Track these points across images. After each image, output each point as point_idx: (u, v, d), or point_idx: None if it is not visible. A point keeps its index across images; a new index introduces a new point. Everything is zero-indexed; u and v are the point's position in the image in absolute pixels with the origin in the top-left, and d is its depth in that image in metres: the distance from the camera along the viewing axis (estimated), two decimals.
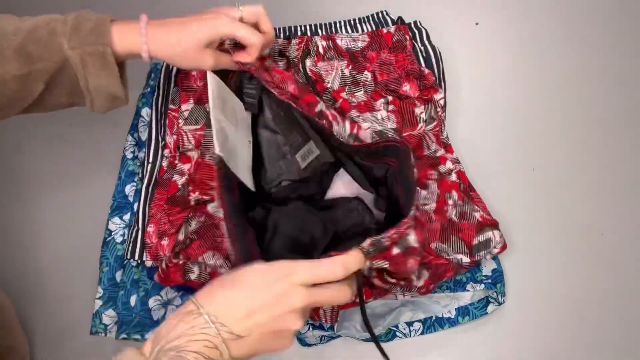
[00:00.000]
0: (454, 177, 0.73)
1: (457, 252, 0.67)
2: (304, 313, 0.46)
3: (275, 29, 0.81)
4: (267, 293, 0.44)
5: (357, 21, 0.82)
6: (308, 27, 0.81)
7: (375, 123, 0.74)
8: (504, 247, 0.70)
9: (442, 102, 0.77)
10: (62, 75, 0.57)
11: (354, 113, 0.75)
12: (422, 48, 0.80)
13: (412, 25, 0.81)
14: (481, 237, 0.69)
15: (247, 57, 0.65)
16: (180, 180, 0.73)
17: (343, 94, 0.76)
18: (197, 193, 0.71)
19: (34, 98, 0.57)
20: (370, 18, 0.82)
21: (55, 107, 0.61)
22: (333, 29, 0.81)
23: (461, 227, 0.69)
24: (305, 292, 0.45)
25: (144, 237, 0.72)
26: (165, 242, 0.69)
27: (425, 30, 0.81)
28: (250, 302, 0.44)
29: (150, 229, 0.71)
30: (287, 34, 0.81)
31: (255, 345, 0.44)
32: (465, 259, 0.67)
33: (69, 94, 0.59)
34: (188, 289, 0.73)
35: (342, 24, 0.81)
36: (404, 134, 0.74)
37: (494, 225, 0.70)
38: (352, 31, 0.81)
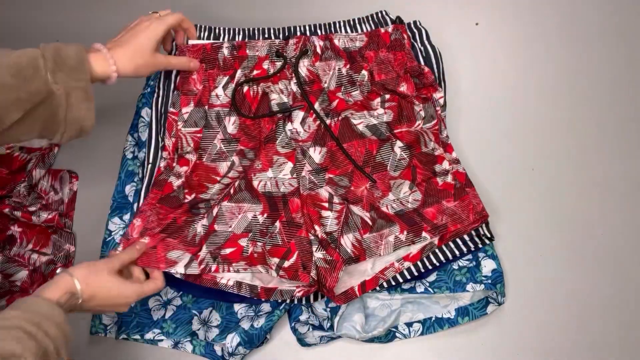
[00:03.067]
0: (449, 178, 0.73)
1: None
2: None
3: (274, 29, 0.81)
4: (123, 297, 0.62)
5: (356, 21, 0.82)
6: (307, 28, 0.81)
7: (370, 117, 0.74)
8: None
9: (441, 101, 0.77)
10: (43, 106, 0.59)
11: (349, 112, 0.75)
12: (422, 48, 0.80)
13: (412, 25, 0.81)
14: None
15: (193, 36, 0.76)
16: (175, 182, 0.73)
17: (339, 94, 0.76)
18: (192, 195, 0.71)
19: (4, 127, 0.59)
20: (370, 18, 0.82)
21: (20, 138, 0.63)
22: (332, 29, 0.81)
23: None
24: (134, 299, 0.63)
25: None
26: (145, 240, 0.68)
27: (425, 30, 0.81)
28: (113, 294, 0.61)
29: (137, 222, 0.70)
30: (286, 34, 0.81)
31: (101, 307, 0.62)
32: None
33: (44, 125, 0.61)
34: (188, 289, 0.73)
35: (341, 24, 0.81)
36: (401, 130, 0.74)
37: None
38: (352, 31, 0.81)
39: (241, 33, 0.80)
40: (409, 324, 0.73)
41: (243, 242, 0.70)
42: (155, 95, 0.78)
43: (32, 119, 0.59)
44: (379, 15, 0.82)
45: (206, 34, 0.80)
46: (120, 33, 0.70)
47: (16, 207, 0.76)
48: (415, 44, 0.80)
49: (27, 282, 0.75)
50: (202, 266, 0.68)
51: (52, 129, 0.62)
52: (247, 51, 0.77)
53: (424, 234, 0.69)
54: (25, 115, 0.58)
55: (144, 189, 0.74)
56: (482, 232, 0.71)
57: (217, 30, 0.80)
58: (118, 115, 0.84)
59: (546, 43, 0.89)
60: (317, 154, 0.73)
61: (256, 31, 0.81)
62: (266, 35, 0.80)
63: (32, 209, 0.77)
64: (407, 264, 0.70)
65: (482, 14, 0.91)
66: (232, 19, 0.89)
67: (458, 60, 0.86)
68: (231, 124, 0.74)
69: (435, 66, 0.79)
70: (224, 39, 0.80)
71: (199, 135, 0.74)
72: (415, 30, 0.81)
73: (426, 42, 0.80)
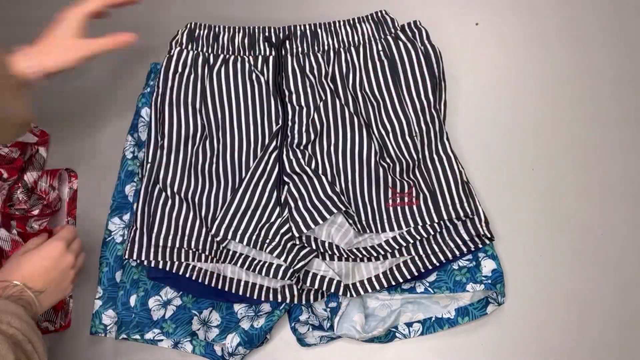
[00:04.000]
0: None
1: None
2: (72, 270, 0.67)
3: (274, 28, 0.81)
4: (53, 259, 0.64)
5: (356, 20, 0.81)
6: (307, 27, 0.81)
7: None
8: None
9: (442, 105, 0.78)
10: None
11: None
12: (422, 48, 0.79)
13: (412, 25, 0.81)
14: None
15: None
16: None
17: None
18: None
19: None
20: (369, 18, 0.81)
21: None
22: (332, 28, 0.81)
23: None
24: (72, 257, 0.66)
25: (142, 237, 0.72)
26: None
27: (425, 30, 0.81)
28: (45, 264, 0.63)
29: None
30: (287, 33, 0.81)
31: (53, 295, 0.64)
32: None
33: None
34: (188, 289, 0.73)
35: (342, 23, 0.81)
36: None
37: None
38: (352, 31, 0.81)
39: (241, 31, 0.80)
40: (409, 324, 0.73)
41: None
42: (155, 94, 0.78)
43: None
44: (379, 14, 0.82)
45: (205, 32, 0.80)
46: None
47: (20, 216, 0.76)
48: (416, 43, 0.80)
49: None
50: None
51: None
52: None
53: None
54: None
55: (144, 189, 0.74)
56: (482, 232, 0.71)
57: (216, 29, 0.80)
58: (118, 115, 0.84)
59: (546, 43, 0.89)
60: None
61: (256, 30, 0.81)
62: (267, 34, 0.80)
63: (35, 212, 0.76)
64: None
65: (482, 14, 0.91)
66: (233, 18, 0.89)
67: (458, 60, 0.86)
68: None
69: (435, 66, 0.79)
70: (223, 37, 0.80)
71: None
72: (415, 30, 0.81)
73: (426, 42, 0.80)
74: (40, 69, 0.65)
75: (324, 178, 0.73)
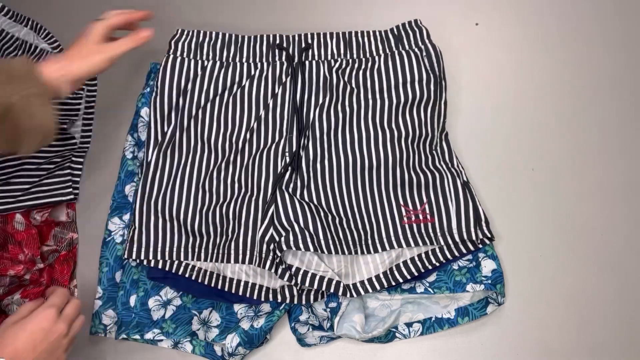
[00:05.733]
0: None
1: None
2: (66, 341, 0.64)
3: (285, 36, 0.80)
4: (42, 331, 0.61)
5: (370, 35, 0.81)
6: (319, 36, 0.80)
7: None
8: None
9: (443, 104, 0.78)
10: (4, 120, 0.59)
11: None
12: (423, 47, 0.79)
13: (412, 23, 0.81)
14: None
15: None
16: None
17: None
18: None
19: None
20: (389, 32, 0.81)
21: None
22: (347, 38, 0.81)
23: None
24: (63, 325, 0.62)
25: (141, 237, 0.72)
26: None
27: (426, 29, 0.81)
28: (34, 338, 0.60)
29: None
30: (296, 41, 0.80)
31: None
32: None
33: (8, 138, 0.61)
34: (188, 289, 0.73)
35: (360, 35, 0.81)
36: None
37: None
38: (367, 40, 0.81)
39: (253, 40, 0.80)
40: (408, 324, 0.73)
41: None
42: (154, 95, 0.78)
43: None
44: (400, 28, 0.81)
45: (213, 39, 0.80)
46: None
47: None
48: (417, 42, 0.80)
49: (36, 273, 0.75)
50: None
51: (17, 141, 0.62)
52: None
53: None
54: None
55: (141, 188, 0.74)
56: (482, 232, 0.71)
57: (226, 37, 0.80)
58: (118, 115, 0.84)
59: (546, 43, 0.89)
60: None
61: (263, 39, 0.80)
62: (277, 42, 0.80)
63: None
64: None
65: (482, 14, 0.91)
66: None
67: (458, 60, 0.86)
68: None
69: (435, 65, 0.79)
70: (229, 46, 0.80)
71: None
72: (416, 28, 0.81)
73: (427, 41, 0.80)
74: (67, 76, 0.65)
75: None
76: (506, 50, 0.89)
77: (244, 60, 0.79)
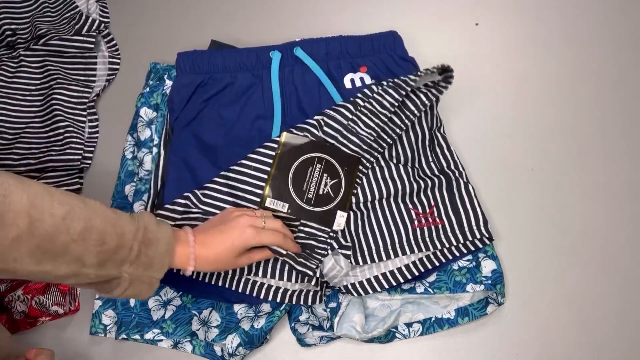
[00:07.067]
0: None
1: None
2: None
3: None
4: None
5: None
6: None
7: None
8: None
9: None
10: (102, 283, 0.58)
11: None
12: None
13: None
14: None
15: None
16: None
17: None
18: None
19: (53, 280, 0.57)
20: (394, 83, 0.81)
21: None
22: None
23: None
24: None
25: None
26: None
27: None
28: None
29: None
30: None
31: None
32: None
33: (97, 286, 0.59)
34: (187, 289, 0.73)
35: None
36: None
37: None
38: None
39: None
40: (408, 324, 0.73)
41: None
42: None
43: (84, 283, 0.57)
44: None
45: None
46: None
47: None
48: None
49: None
50: None
51: (104, 290, 0.59)
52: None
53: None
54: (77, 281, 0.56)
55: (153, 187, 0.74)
56: (482, 233, 0.71)
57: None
58: (118, 115, 0.84)
59: (546, 43, 0.89)
60: None
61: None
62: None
63: None
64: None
65: (482, 14, 0.91)
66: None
67: (458, 60, 0.86)
68: None
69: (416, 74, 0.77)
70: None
71: None
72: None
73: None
74: (193, 266, 0.63)
75: None
76: (506, 50, 0.89)
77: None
